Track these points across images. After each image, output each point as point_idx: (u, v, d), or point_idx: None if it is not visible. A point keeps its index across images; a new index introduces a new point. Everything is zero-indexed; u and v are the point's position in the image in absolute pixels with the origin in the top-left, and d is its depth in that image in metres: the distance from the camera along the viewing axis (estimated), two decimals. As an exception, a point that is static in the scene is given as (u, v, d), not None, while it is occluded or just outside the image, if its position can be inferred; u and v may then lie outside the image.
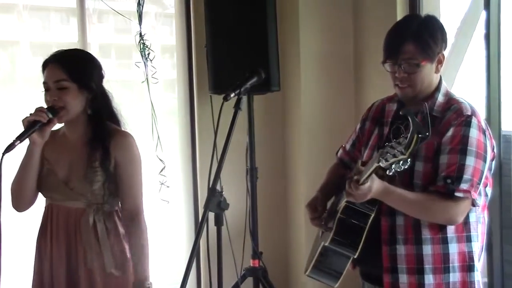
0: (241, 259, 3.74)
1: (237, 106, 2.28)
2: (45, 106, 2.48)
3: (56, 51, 2.58)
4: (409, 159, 1.91)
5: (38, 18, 4.74)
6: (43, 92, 2.53)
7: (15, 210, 2.60)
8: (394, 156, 1.91)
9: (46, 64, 2.53)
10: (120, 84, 4.48)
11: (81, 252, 2.55)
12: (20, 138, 2.35)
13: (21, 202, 2.59)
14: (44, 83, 2.52)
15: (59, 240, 2.57)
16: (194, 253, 2.15)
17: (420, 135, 1.87)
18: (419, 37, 2.29)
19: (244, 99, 2.34)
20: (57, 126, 2.58)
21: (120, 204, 2.65)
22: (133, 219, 2.60)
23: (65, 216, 2.57)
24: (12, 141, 2.32)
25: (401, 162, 1.92)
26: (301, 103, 4.05)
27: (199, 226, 2.15)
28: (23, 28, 4.49)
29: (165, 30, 4.58)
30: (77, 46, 3.93)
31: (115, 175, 2.57)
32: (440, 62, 2.35)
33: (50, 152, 2.59)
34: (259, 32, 3.63)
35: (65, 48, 2.62)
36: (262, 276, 3.71)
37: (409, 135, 1.88)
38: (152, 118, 4.01)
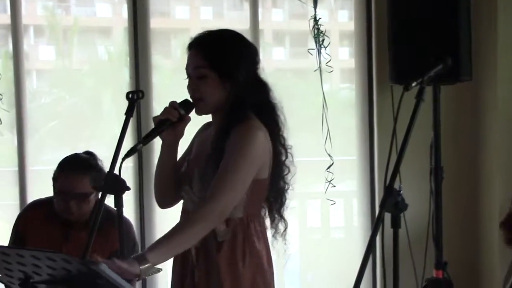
0: (422, 268, 3.72)
1: (419, 97, 2.22)
2: (187, 95, 2.36)
3: (200, 33, 2.40)
4: None
5: (211, 4, 4.94)
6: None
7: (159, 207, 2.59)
8: None
9: (189, 48, 2.40)
10: (294, 73, 4.58)
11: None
12: (144, 141, 2.26)
13: (161, 200, 2.54)
14: (186, 69, 2.39)
15: None
16: (368, 257, 2.12)
17: None
18: None
19: (428, 89, 2.29)
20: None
21: (246, 212, 2.38)
22: (200, 208, 2.26)
23: None
24: (134, 145, 2.23)
25: None
26: (497, 94, 3.90)
27: (373, 227, 2.13)
28: (195, 15, 4.72)
29: (344, 14, 4.59)
30: (248, 33, 4.03)
31: None
32: None
33: (196, 145, 2.47)
34: (448, 14, 3.53)
35: (211, 29, 2.42)
36: (446, 289, 3.63)
37: None
38: (322, 109, 4.02)
